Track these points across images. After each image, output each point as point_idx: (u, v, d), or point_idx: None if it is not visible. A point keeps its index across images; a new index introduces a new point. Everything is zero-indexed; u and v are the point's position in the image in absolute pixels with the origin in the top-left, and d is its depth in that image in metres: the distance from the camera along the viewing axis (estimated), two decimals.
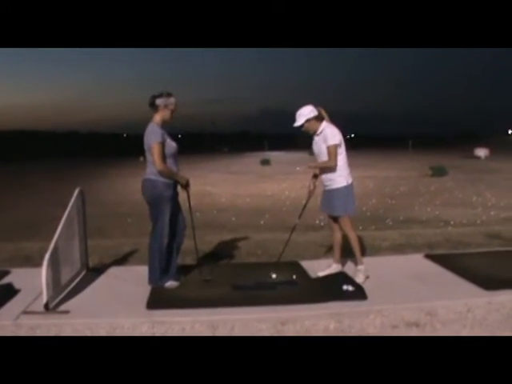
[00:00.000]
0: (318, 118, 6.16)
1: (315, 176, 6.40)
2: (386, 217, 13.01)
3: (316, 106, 6.20)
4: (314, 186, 6.43)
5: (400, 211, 14.14)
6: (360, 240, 6.58)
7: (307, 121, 6.13)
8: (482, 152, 45.93)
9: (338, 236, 6.47)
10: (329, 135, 6.05)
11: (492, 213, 13.30)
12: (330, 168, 6.10)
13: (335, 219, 6.36)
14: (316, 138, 6.23)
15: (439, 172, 26.58)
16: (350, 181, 6.18)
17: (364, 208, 14.53)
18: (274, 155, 58.77)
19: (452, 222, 11.80)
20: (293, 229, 6.72)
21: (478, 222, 11.94)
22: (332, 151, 6.02)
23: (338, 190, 6.14)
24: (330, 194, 6.24)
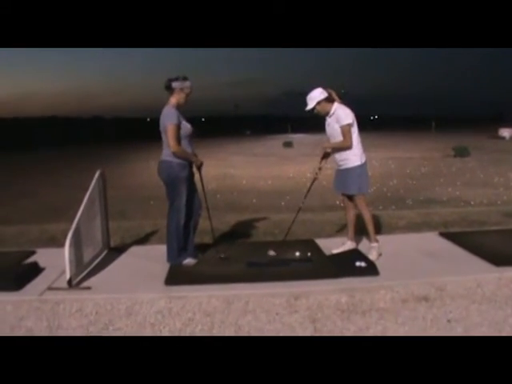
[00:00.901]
0: (329, 100, 6.23)
1: (325, 156, 6.48)
2: (407, 197, 13.06)
3: (325, 87, 6.28)
4: (320, 169, 6.51)
5: (420, 192, 14.16)
6: (374, 218, 6.67)
7: (318, 103, 6.20)
8: (506, 132, 45.33)
9: (351, 214, 6.58)
10: (341, 115, 6.12)
11: None
12: (345, 148, 6.19)
13: (349, 198, 6.47)
14: (328, 120, 6.30)
15: (462, 152, 26.40)
16: (363, 160, 6.26)
17: (385, 189, 14.60)
18: (297, 137, 58.63)
19: (472, 202, 11.83)
20: (298, 211, 6.83)
21: (499, 202, 11.92)
22: (346, 131, 6.10)
23: (352, 169, 6.22)
24: (343, 173, 6.33)
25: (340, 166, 6.36)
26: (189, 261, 6.15)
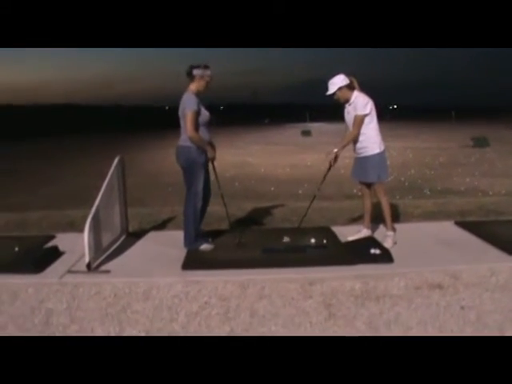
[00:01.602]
0: (350, 87, 6.26)
1: (336, 158, 6.48)
2: (424, 187, 13.03)
3: (348, 75, 6.32)
4: (337, 157, 6.48)
5: (438, 181, 14.11)
6: (392, 207, 6.71)
7: (339, 89, 6.24)
8: None
9: (368, 202, 6.62)
10: (359, 104, 6.16)
11: None
12: (354, 139, 6.25)
13: (368, 186, 6.52)
14: (348, 108, 6.33)
15: (481, 143, 26.18)
16: (382, 148, 6.29)
17: (402, 178, 14.57)
18: (316, 126, 58.53)
19: (490, 192, 11.75)
20: (312, 199, 6.90)
21: None
22: (359, 120, 6.14)
23: (371, 156, 6.26)
24: (363, 161, 6.37)
25: (359, 154, 6.39)
26: (205, 246, 6.24)
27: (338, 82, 6.24)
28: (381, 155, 6.28)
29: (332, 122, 58.28)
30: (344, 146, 6.31)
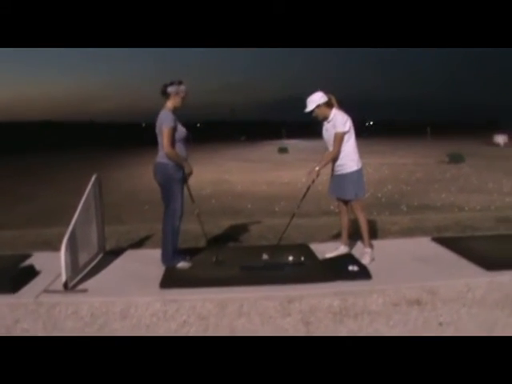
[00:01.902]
0: (329, 105, 6.32)
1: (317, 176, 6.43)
2: (401, 203, 13.10)
3: (326, 92, 6.37)
4: (318, 175, 6.41)
5: (415, 197, 14.20)
6: (369, 224, 6.73)
7: (317, 106, 6.28)
8: (500, 139, 45.29)
9: (345, 219, 6.65)
10: (338, 122, 6.21)
11: (507, 199, 13.28)
12: (335, 157, 6.27)
13: (345, 202, 6.53)
14: (327, 125, 6.38)
15: (456, 159, 26.45)
16: (360, 165, 6.34)
17: (379, 194, 14.65)
18: (292, 143, 58.58)
19: (466, 208, 11.87)
20: (292, 217, 6.90)
21: (492, 207, 11.96)
22: (338, 138, 6.18)
23: (349, 174, 6.31)
24: (341, 178, 6.40)
25: (337, 171, 6.42)
26: (183, 264, 6.22)
27: (316, 99, 6.29)
28: (358, 172, 6.33)
29: (308, 139, 58.43)
30: (325, 164, 6.33)
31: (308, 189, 6.69)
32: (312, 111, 6.33)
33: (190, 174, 6.27)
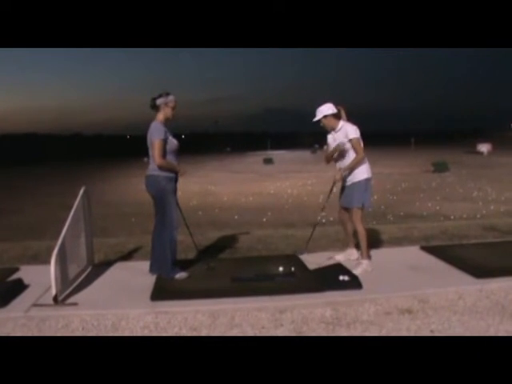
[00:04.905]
0: (336, 116, 6.48)
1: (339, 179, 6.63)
2: (387, 212, 13.12)
3: (336, 105, 6.51)
4: (341, 177, 6.58)
5: (401, 207, 14.23)
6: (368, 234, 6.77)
7: (325, 117, 6.44)
8: (484, 147, 45.70)
9: (350, 226, 6.82)
10: (350, 130, 6.37)
11: (492, 207, 13.37)
12: (361, 160, 6.41)
13: (347, 211, 6.65)
14: (335, 135, 6.54)
15: (441, 168, 26.61)
16: (370, 174, 6.49)
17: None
18: (277, 154, 58.65)
19: (452, 217, 11.92)
20: (316, 224, 7.11)
21: (478, 216, 12.03)
22: (357, 144, 6.36)
23: (359, 182, 6.43)
24: (349, 187, 6.53)
25: (347, 181, 6.56)
26: (181, 275, 6.26)
27: (324, 110, 6.46)
28: (368, 180, 6.48)
29: (293, 150, 58.54)
30: (351, 169, 6.44)
31: (330, 192, 6.96)
32: (319, 121, 6.47)
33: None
